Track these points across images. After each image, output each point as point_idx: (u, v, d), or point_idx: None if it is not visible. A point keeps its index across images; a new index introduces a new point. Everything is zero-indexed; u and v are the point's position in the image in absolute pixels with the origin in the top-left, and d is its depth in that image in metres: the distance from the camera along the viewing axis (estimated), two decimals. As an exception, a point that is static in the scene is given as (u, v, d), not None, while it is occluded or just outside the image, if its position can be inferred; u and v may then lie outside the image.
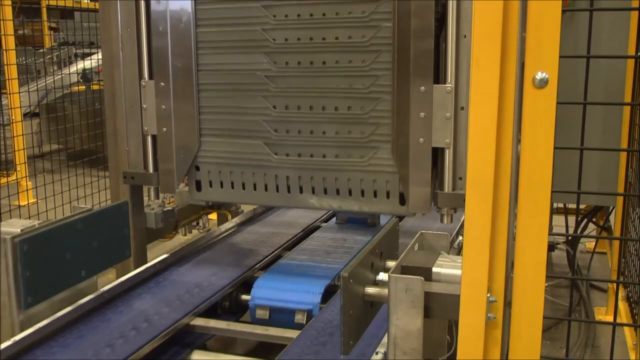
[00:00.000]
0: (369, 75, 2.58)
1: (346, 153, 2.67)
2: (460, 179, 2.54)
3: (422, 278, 1.57)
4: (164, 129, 2.88)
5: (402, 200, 2.59)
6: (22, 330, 2.20)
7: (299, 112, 2.70)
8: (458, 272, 1.56)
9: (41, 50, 7.43)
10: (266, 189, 2.81)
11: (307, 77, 2.67)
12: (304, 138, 2.71)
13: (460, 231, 2.75)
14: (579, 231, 3.67)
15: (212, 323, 2.57)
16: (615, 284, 3.16)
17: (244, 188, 2.84)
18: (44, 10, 8.66)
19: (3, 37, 5.24)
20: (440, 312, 1.58)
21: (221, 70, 2.79)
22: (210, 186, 2.90)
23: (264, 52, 2.70)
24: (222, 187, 2.88)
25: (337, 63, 2.62)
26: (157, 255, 3.01)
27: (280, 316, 2.68)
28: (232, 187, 2.86)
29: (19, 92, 5.57)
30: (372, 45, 2.56)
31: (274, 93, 2.72)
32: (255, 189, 2.83)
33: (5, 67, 5.33)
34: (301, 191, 2.76)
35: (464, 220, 1.39)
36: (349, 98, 2.62)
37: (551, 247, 3.80)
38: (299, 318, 2.62)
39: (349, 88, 2.61)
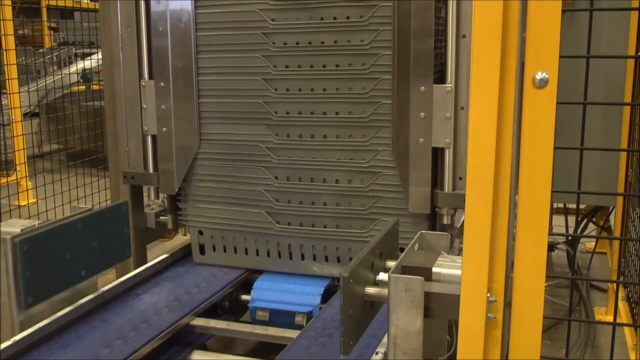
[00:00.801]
0: (369, 150, 2.64)
1: (347, 224, 2.72)
2: (460, 179, 2.54)
3: (422, 278, 1.57)
4: (164, 129, 2.89)
5: None
6: (22, 330, 2.20)
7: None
8: (458, 272, 1.56)
9: (41, 50, 7.42)
10: (268, 255, 2.85)
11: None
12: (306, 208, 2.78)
13: (460, 231, 2.75)
14: (579, 231, 3.67)
15: (212, 323, 2.57)
16: (615, 284, 3.15)
17: (246, 253, 2.89)
18: (44, 10, 8.65)
19: (3, 37, 5.23)
20: (440, 312, 1.58)
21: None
22: (214, 250, 2.94)
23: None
24: (225, 251, 2.93)
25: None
26: (157, 255, 3.01)
27: (281, 317, 2.68)
28: (235, 252, 2.91)
29: (19, 92, 5.56)
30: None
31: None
32: (257, 254, 2.88)
33: (5, 67, 5.32)
34: (303, 258, 2.80)
35: (464, 220, 1.39)
36: (349, 171, 2.69)
37: (551, 247, 3.80)
38: (299, 320, 2.63)
39: (349, 161, 2.68)
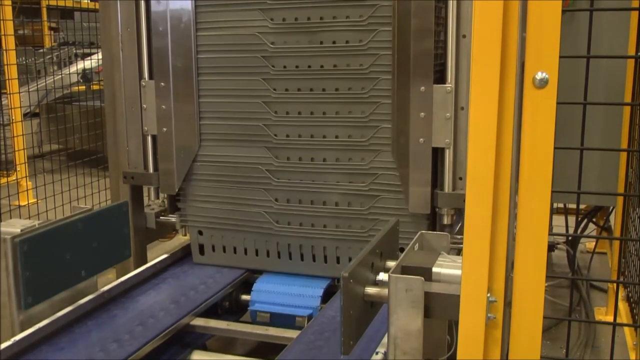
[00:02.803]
0: (368, 174, 2.64)
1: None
2: (460, 179, 2.54)
3: (422, 278, 1.57)
4: (164, 129, 2.89)
5: None
6: (22, 330, 2.20)
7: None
8: (458, 272, 1.56)
9: (41, 50, 7.42)
10: (268, 255, 2.86)
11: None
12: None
13: (460, 231, 2.75)
14: (579, 231, 3.67)
15: (212, 323, 2.57)
16: (615, 284, 3.15)
17: (246, 254, 2.90)
18: (44, 10, 8.64)
19: (3, 37, 5.23)
20: (440, 312, 1.58)
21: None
22: (213, 251, 2.94)
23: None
24: (224, 252, 2.93)
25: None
26: (157, 255, 3.01)
27: (281, 320, 2.68)
28: (235, 252, 2.92)
29: (19, 92, 5.56)
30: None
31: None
32: (257, 254, 2.89)
33: (5, 67, 5.33)
34: (302, 259, 2.81)
35: (464, 220, 1.39)
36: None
37: (551, 247, 3.79)
38: (300, 321, 2.63)
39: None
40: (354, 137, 2.64)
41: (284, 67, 2.69)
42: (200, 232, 2.97)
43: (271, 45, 2.68)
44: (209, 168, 2.87)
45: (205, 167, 2.88)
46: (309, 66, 2.65)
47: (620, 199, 3.18)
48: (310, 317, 2.62)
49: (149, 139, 2.98)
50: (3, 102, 5.51)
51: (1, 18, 5.23)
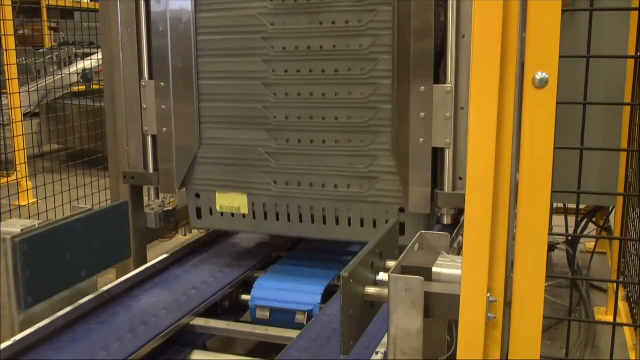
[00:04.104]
0: (368, 156, 2.63)
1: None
2: (460, 179, 2.54)
3: (422, 278, 1.57)
4: (164, 129, 2.89)
5: None
6: (22, 330, 2.19)
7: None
8: (458, 272, 1.56)
9: (41, 50, 7.41)
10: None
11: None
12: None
13: (460, 231, 2.75)
14: (579, 231, 3.67)
15: (212, 323, 2.57)
16: (615, 284, 3.15)
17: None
18: (44, 10, 8.64)
19: (3, 37, 5.24)
20: (440, 312, 1.58)
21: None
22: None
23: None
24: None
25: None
26: (157, 255, 3.01)
27: (281, 316, 2.68)
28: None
29: (19, 92, 5.56)
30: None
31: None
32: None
33: (5, 67, 5.33)
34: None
35: (463, 220, 1.39)
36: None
37: (551, 247, 3.80)
38: (300, 318, 2.62)
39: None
40: (354, 119, 2.62)
41: (284, 48, 2.66)
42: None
43: (271, 26, 2.66)
44: (209, 150, 2.86)
45: (205, 149, 2.86)
46: (309, 47, 2.63)
47: (620, 199, 3.18)
48: (310, 313, 2.61)
49: (149, 139, 2.98)
50: (3, 102, 5.51)
51: (1, 18, 5.23)
